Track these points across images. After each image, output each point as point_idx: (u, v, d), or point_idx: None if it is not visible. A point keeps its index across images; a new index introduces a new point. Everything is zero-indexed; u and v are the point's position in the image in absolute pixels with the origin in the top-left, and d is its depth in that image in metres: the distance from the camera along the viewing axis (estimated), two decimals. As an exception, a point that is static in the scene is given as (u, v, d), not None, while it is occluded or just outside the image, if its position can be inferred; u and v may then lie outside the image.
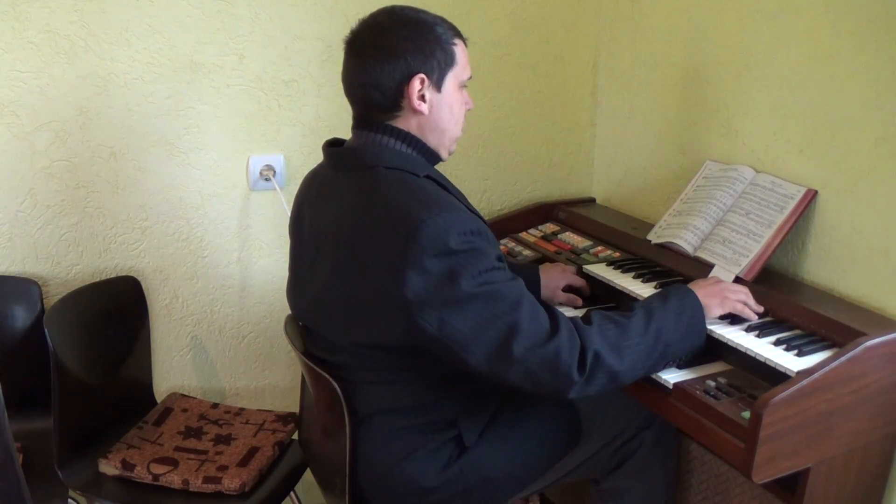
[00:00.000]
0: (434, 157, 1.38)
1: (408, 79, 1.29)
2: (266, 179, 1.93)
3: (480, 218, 1.32)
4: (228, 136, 1.89)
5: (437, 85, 1.32)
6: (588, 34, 2.17)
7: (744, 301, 1.44)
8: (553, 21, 2.12)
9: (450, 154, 1.42)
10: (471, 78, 1.39)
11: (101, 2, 1.71)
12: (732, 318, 1.44)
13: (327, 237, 1.34)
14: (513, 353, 1.21)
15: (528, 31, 2.10)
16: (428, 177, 1.33)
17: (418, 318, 1.21)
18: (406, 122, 1.33)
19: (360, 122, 1.36)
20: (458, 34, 1.36)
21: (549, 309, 1.28)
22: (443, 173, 1.39)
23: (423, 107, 1.31)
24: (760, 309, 1.46)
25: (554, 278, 1.70)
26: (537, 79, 2.15)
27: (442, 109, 1.34)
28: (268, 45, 1.86)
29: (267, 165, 1.93)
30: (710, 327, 1.41)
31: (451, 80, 1.34)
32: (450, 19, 1.38)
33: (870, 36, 1.44)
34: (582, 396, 1.27)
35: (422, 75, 1.29)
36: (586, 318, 1.31)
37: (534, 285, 1.65)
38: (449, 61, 1.33)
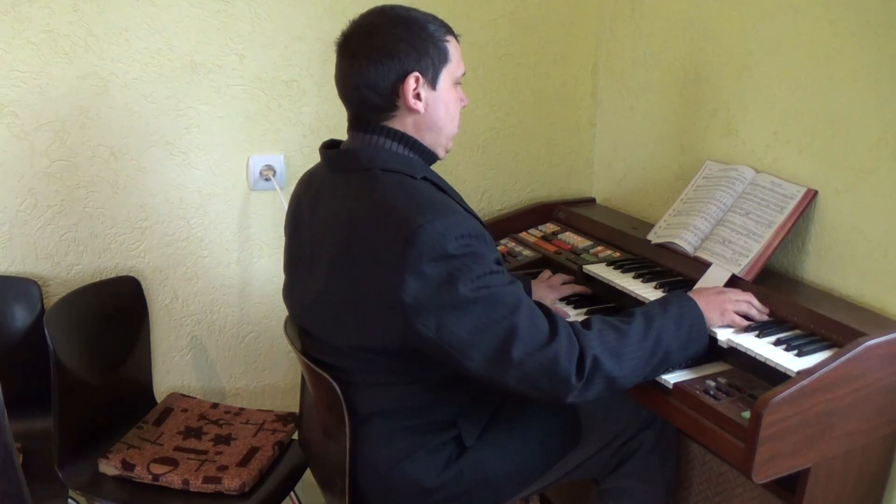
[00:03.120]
0: (431, 157, 1.38)
1: (402, 78, 1.29)
2: (266, 179, 1.93)
3: (478, 220, 1.32)
4: (228, 136, 1.89)
5: (432, 82, 1.32)
6: (588, 34, 2.17)
7: (745, 312, 1.43)
8: (553, 21, 2.12)
9: (447, 152, 1.41)
10: (464, 74, 1.39)
11: (101, 2, 1.71)
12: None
13: (324, 240, 1.34)
14: (511, 358, 1.21)
15: (528, 31, 2.10)
16: (425, 178, 1.32)
17: (416, 322, 1.21)
18: (402, 122, 1.33)
19: (355, 124, 1.36)
20: (450, 31, 1.35)
21: (549, 313, 1.27)
22: (442, 174, 1.39)
23: (419, 105, 1.31)
24: (764, 316, 1.46)
25: (540, 292, 1.69)
26: (537, 79, 2.15)
27: (438, 107, 1.34)
28: (268, 45, 1.86)
29: (267, 165, 1.93)
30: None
31: (446, 77, 1.33)
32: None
33: (870, 36, 1.44)
34: (579, 401, 1.26)
35: (416, 73, 1.29)
36: (586, 324, 1.30)
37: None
38: (442, 58, 1.32)
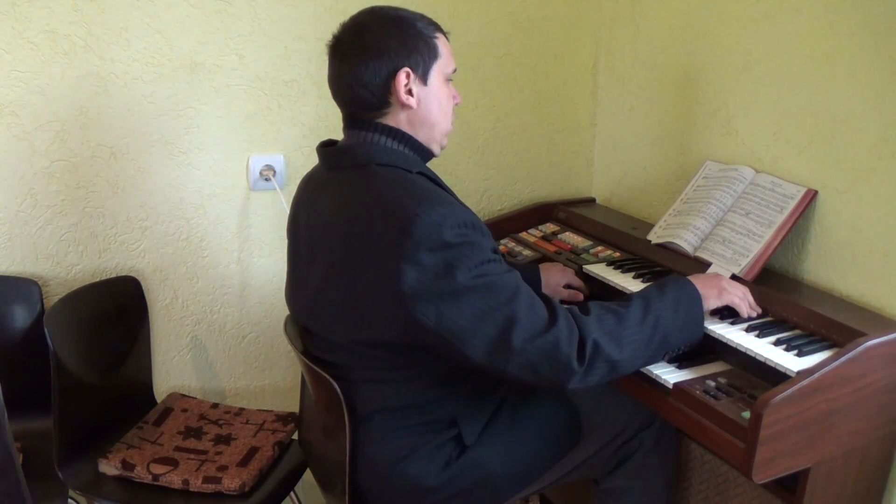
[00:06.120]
0: (426, 154, 1.39)
1: (393, 74, 1.30)
2: (266, 179, 1.93)
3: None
4: (228, 136, 1.89)
5: (423, 78, 1.33)
6: (588, 34, 2.17)
7: (741, 296, 1.44)
8: (553, 21, 2.12)
9: (442, 149, 1.42)
10: (455, 71, 1.40)
11: (101, 2, 1.71)
12: (732, 318, 1.44)
13: (323, 236, 1.35)
14: (512, 345, 1.22)
15: (528, 31, 2.10)
16: (421, 173, 1.33)
17: (415, 311, 1.21)
18: (395, 119, 1.34)
19: (350, 122, 1.37)
20: (439, 28, 1.37)
21: (547, 300, 1.28)
22: (442, 174, 1.40)
23: (412, 101, 1.32)
24: (758, 310, 1.46)
25: (555, 276, 1.70)
26: (537, 79, 2.15)
27: (430, 103, 1.35)
28: (268, 45, 1.86)
29: (267, 165, 1.93)
30: (709, 326, 1.41)
31: (437, 72, 1.35)
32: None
33: (869, 36, 1.44)
34: (582, 386, 1.27)
35: (407, 69, 1.30)
36: (584, 309, 1.31)
37: (535, 285, 1.65)
38: (432, 54, 1.34)
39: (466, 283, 1.21)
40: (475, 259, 1.22)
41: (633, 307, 1.31)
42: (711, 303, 1.40)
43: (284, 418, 1.82)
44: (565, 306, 1.30)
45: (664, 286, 1.38)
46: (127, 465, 1.59)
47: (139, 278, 1.86)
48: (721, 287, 1.42)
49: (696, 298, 1.37)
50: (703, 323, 1.38)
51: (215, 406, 1.87)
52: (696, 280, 1.41)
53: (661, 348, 1.33)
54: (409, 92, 1.32)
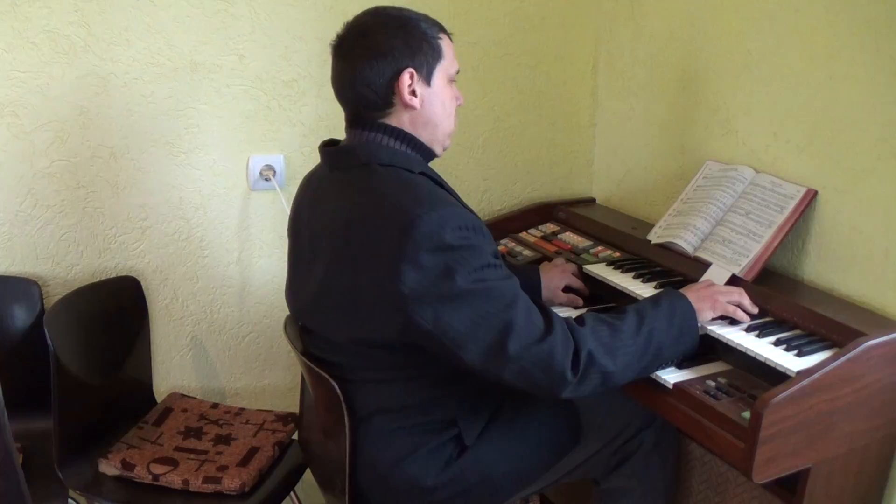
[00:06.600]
0: (429, 154, 1.39)
1: (397, 74, 1.30)
2: (266, 179, 1.93)
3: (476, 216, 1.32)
4: (228, 136, 1.89)
5: (427, 79, 1.33)
6: (588, 34, 2.17)
7: (737, 302, 1.44)
8: (553, 21, 2.12)
9: (444, 150, 1.42)
10: (459, 72, 1.40)
11: (101, 2, 1.71)
12: (731, 318, 1.44)
13: (324, 235, 1.35)
14: (507, 352, 1.22)
15: (528, 31, 2.10)
16: (423, 174, 1.33)
17: (413, 313, 1.21)
18: (398, 119, 1.34)
19: (353, 122, 1.37)
20: (443, 29, 1.37)
21: (544, 308, 1.28)
22: (442, 174, 1.40)
23: (415, 101, 1.32)
24: (755, 310, 1.46)
25: (554, 279, 1.70)
26: (537, 79, 2.15)
27: (433, 104, 1.35)
28: (268, 45, 1.86)
29: (267, 165, 1.93)
30: (709, 327, 1.41)
31: (440, 74, 1.35)
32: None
33: (870, 36, 1.44)
34: (575, 396, 1.27)
35: (411, 70, 1.31)
36: (579, 320, 1.31)
37: (535, 287, 1.65)
38: (436, 56, 1.34)
39: (465, 286, 1.21)
40: (475, 263, 1.22)
41: (627, 319, 1.31)
42: (706, 315, 1.41)
43: (284, 418, 1.82)
44: (563, 316, 1.30)
45: (658, 299, 1.38)
46: (127, 465, 1.59)
47: (139, 278, 1.86)
48: (714, 299, 1.42)
49: (690, 311, 1.38)
50: (697, 336, 1.38)
51: (215, 406, 1.87)
52: (690, 293, 1.42)
53: (654, 361, 1.33)
54: (413, 93, 1.32)
